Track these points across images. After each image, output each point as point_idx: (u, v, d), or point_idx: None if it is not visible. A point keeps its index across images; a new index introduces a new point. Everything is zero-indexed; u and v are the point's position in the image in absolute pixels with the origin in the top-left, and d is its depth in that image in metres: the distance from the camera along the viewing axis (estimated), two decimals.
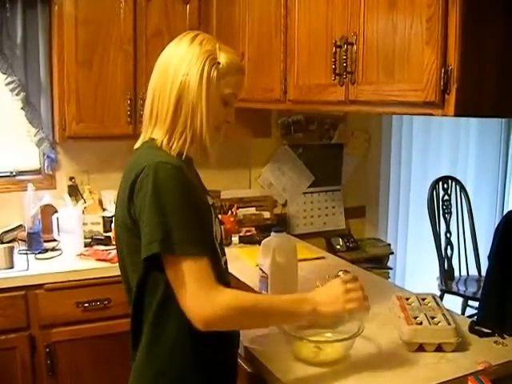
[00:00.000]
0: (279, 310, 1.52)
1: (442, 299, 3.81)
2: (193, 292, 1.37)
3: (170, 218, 1.37)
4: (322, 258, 2.91)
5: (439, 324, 1.90)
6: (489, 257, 2.92)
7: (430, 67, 1.60)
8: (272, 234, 2.17)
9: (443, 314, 1.96)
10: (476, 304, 3.95)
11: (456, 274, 4.05)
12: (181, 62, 1.51)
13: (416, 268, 4.19)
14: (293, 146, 3.67)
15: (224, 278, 1.62)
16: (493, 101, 1.62)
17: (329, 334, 1.84)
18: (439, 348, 1.82)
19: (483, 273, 4.14)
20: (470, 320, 2.05)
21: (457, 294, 3.89)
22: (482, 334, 1.95)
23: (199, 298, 1.37)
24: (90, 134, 2.93)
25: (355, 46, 1.91)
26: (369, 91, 1.87)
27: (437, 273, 4.00)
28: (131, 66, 2.93)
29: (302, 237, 3.43)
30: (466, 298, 3.87)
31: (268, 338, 1.90)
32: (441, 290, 3.90)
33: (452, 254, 4.02)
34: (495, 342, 1.90)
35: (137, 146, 1.62)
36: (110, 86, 2.92)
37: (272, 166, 3.63)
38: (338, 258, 3.04)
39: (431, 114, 1.66)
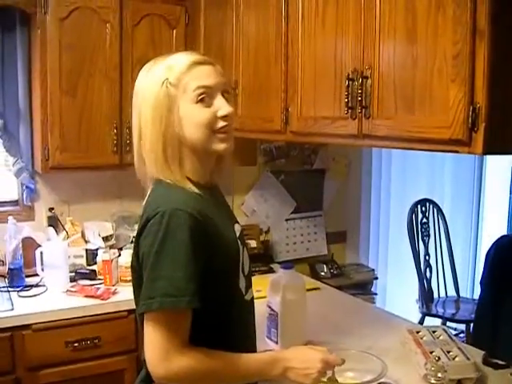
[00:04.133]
0: (246, 372, 1.47)
1: (422, 322, 3.83)
2: (156, 347, 1.36)
3: (166, 272, 1.36)
4: (317, 288, 2.88)
5: (457, 359, 1.88)
6: (481, 282, 2.97)
7: (457, 105, 1.58)
8: (280, 270, 2.13)
9: (459, 348, 1.95)
10: (455, 325, 4.00)
11: (435, 295, 4.08)
12: (139, 97, 1.50)
13: (396, 291, 4.20)
14: (275, 172, 3.63)
15: (246, 316, 1.60)
16: None
17: (350, 374, 1.80)
18: (459, 383, 1.81)
19: (462, 293, 4.21)
20: (483, 352, 2.04)
21: (436, 315, 3.91)
22: (496, 366, 1.95)
23: (158, 356, 1.36)
24: (74, 164, 2.82)
25: (370, 80, 1.88)
26: (386, 126, 1.84)
27: (416, 295, 4.03)
28: (117, 94, 2.85)
29: None
30: (445, 320, 3.89)
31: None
32: (422, 313, 3.93)
33: (431, 276, 4.06)
34: (511, 374, 1.90)
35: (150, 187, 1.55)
36: (95, 114, 2.82)
37: (255, 192, 3.58)
38: (333, 288, 3.01)
39: (456, 152, 1.64)
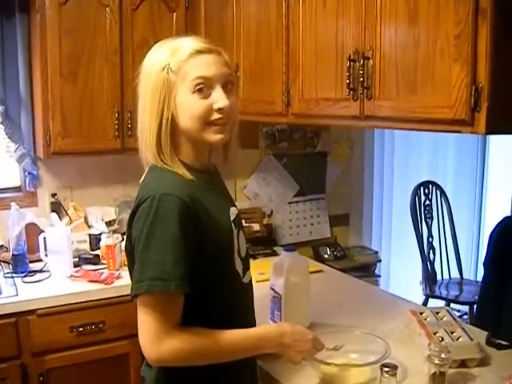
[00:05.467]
0: (239, 348, 1.50)
1: (426, 304, 3.84)
2: (148, 331, 1.38)
3: (155, 257, 1.38)
4: (321, 271, 2.89)
5: (460, 339, 1.88)
6: (484, 263, 2.96)
7: (460, 84, 1.57)
8: (283, 252, 2.13)
9: (462, 329, 1.95)
10: (458, 307, 4.01)
11: (438, 277, 4.09)
12: (142, 81, 1.50)
13: (400, 273, 4.21)
14: (277, 155, 3.62)
15: (244, 298, 1.61)
16: None
17: (354, 355, 1.81)
18: (462, 364, 1.81)
19: (465, 275, 4.21)
20: (487, 333, 2.04)
21: (439, 297, 3.92)
22: (500, 347, 1.95)
23: (150, 339, 1.38)
24: (76, 149, 2.81)
25: (372, 61, 1.87)
26: (388, 107, 1.84)
27: (420, 277, 4.03)
28: (118, 78, 2.83)
29: None
30: (449, 301, 3.90)
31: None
32: (425, 295, 3.93)
33: (434, 258, 4.06)
34: None
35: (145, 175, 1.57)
36: (96, 99, 2.81)
37: (257, 176, 3.57)
38: (335, 270, 3.02)
39: (459, 132, 1.64)
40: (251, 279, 1.66)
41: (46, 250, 2.72)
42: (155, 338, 1.37)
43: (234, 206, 1.65)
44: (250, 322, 1.63)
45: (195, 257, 1.40)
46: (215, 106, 1.46)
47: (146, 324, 1.38)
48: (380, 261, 3.84)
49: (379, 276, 3.80)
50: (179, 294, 1.39)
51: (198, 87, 1.44)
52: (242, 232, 1.62)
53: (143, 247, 1.39)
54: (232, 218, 1.58)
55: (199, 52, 1.46)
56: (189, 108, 1.45)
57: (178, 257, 1.37)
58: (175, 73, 1.44)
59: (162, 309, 1.38)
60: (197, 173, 1.50)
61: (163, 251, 1.37)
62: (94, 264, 2.83)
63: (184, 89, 1.44)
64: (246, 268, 1.61)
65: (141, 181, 1.55)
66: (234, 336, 1.48)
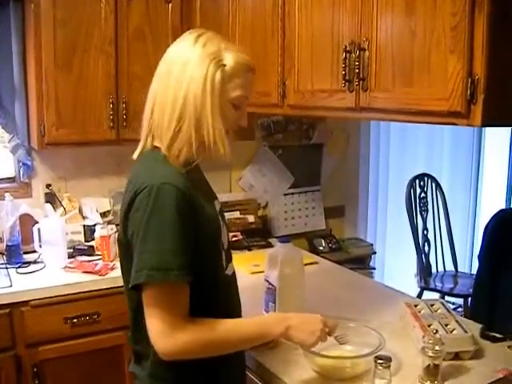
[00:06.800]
0: (249, 335, 1.51)
1: (421, 296, 3.85)
2: (157, 324, 1.37)
3: (154, 246, 1.36)
4: (316, 263, 2.88)
5: (454, 332, 1.89)
6: (479, 256, 2.96)
7: (456, 76, 1.57)
8: (278, 244, 2.12)
9: (456, 321, 1.95)
10: (453, 300, 4.02)
11: (433, 270, 4.09)
12: (183, 67, 1.45)
13: (395, 266, 4.22)
14: (273, 147, 3.62)
15: (228, 291, 1.61)
16: None
17: (348, 347, 1.81)
18: (456, 356, 1.81)
19: (460, 268, 4.22)
20: (481, 326, 2.04)
21: (434, 290, 3.93)
22: (494, 340, 1.96)
23: (161, 332, 1.37)
24: (70, 140, 2.79)
25: (367, 52, 1.86)
26: (383, 99, 1.83)
27: (415, 270, 4.04)
28: (113, 68, 2.80)
29: None
30: (443, 294, 3.91)
31: (279, 349, 1.85)
32: (420, 287, 3.94)
33: (429, 251, 4.07)
34: (509, 347, 1.90)
35: (136, 154, 1.56)
36: (90, 90, 2.79)
37: (253, 167, 3.57)
38: (330, 262, 3.01)
39: (455, 124, 1.63)
40: (234, 271, 1.66)
41: (40, 241, 2.71)
42: (167, 333, 1.36)
43: (217, 198, 1.66)
44: (235, 314, 1.63)
45: (193, 247, 1.40)
46: (241, 123, 1.55)
47: (155, 320, 1.37)
48: (375, 253, 3.84)
49: (374, 268, 3.80)
50: (183, 283, 1.38)
51: (237, 102, 1.50)
52: (225, 225, 1.63)
53: (142, 237, 1.37)
54: (217, 209, 1.60)
55: (251, 70, 1.52)
56: (223, 113, 1.47)
57: (178, 246, 1.36)
58: (229, 77, 1.46)
59: (168, 302, 1.37)
60: (185, 166, 1.49)
61: (162, 240, 1.35)
62: (89, 255, 2.82)
63: (226, 94, 1.46)
64: (229, 260, 1.62)
65: (134, 157, 1.55)
66: (243, 322, 1.52)
